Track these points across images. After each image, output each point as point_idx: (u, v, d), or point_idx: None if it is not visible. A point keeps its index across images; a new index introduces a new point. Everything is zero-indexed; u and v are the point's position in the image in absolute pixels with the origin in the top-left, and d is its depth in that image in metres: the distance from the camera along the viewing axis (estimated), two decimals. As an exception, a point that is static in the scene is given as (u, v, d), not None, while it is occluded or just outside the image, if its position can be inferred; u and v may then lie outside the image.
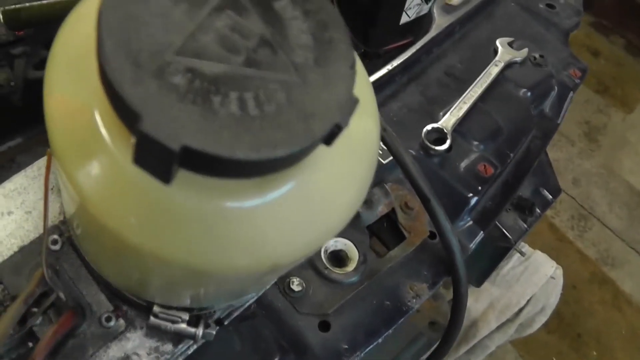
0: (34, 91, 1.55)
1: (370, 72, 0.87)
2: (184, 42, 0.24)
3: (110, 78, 0.22)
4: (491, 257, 1.32)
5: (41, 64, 1.82)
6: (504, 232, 1.17)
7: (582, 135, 3.10)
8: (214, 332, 0.41)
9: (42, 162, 0.46)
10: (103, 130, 0.26)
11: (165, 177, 0.23)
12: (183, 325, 0.38)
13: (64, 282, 0.39)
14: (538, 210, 1.25)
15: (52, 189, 0.43)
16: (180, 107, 0.22)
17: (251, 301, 0.48)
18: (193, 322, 0.39)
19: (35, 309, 0.37)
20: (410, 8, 1.28)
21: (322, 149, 0.25)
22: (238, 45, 0.24)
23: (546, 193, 1.37)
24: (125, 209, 0.27)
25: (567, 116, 3.01)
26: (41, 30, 1.68)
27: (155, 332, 0.41)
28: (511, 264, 1.57)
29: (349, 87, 0.25)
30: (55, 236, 0.40)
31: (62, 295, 0.38)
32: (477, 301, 1.60)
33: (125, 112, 0.22)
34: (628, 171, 2.97)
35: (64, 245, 0.40)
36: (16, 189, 0.44)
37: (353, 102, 0.24)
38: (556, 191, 1.40)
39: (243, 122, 0.22)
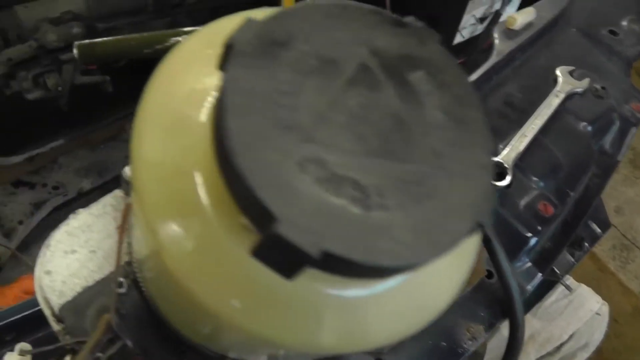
0: (79, 96, 1.58)
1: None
2: (315, 126, 0.21)
3: (240, 173, 0.20)
4: (537, 290, 1.27)
5: (88, 70, 1.84)
6: (552, 267, 1.12)
7: (626, 161, 3.00)
8: None
9: (107, 200, 0.45)
10: (207, 205, 0.24)
11: (289, 274, 0.21)
12: None
13: (129, 327, 0.38)
14: (586, 245, 1.20)
15: (117, 228, 0.42)
16: (315, 207, 0.19)
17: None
18: None
19: (100, 354, 0.36)
20: (464, 28, 1.25)
21: None
22: (372, 129, 0.22)
23: (595, 227, 1.32)
24: (227, 290, 0.25)
25: (612, 141, 2.88)
26: (89, 36, 1.70)
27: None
28: (554, 297, 1.52)
29: (488, 178, 0.22)
30: (121, 279, 0.39)
31: (129, 342, 0.37)
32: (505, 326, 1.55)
33: (257, 212, 0.20)
34: (675, 201, 2.86)
35: (130, 289, 0.39)
36: (80, 226, 0.42)
37: (492, 196, 0.22)
38: (605, 225, 1.35)
39: (382, 224, 0.20)
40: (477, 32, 1.28)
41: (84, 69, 1.75)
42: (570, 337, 1.50)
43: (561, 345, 1.51)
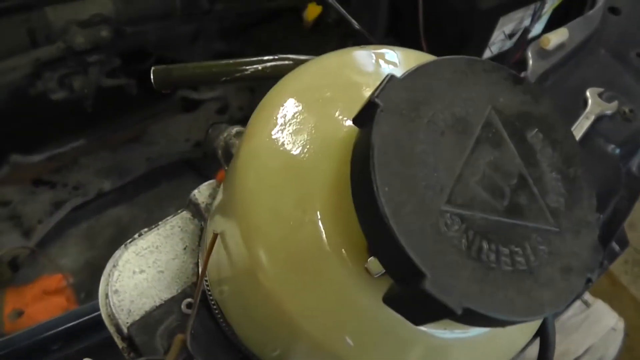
0: (102, 97, 1.59)
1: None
2: (454, 186, 0.23)
3: (392, 234, 0.21)
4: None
5: (113, 73, 1.87)
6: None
7: None
8: None
9: (174, 220, 0.46)
10: (327, 246, 0.26)
11: (421, 322, 0.22)
12: None
13: (202, 347, 0.39)
14: (606, 262, 1.21)
15: (184, 248, 0.43)
16: (459, 264, 0.22)
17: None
18: None
19: None
20: (494, 43, 1.27)
21: None
22: (501, 188, 0.24)
23: (614, 245, 1.33)
24: (341, 327, 0.26)
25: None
26: (116, 39, 1.73)
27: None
28: (571, 312, 1.53)
29: (595, 235, 0.24)
30: (189, 300, 0.40)
31: None
32: (533, 345, 1.56)
33: (406, 269, 0.22)
34: (688, 217, 2.85)
35: (200, 310, 0.40)
36: (149, 247, 0.44)
37: (600, 252, 0.24)
38: (624, 243, 1.36)
39: (515, 280, 0.22)
40: (506, 48, 1.30)
41: (108, 71, 1.78)
42: (586, 351, 1.51)
43: (576, 359, 1.53)
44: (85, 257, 1.72)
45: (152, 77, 0.57)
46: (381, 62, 0.32)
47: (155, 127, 1.89)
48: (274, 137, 0.29)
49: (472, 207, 0.23)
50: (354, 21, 1.13)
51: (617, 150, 0.92)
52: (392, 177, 0.22)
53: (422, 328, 0.26)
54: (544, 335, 0.67)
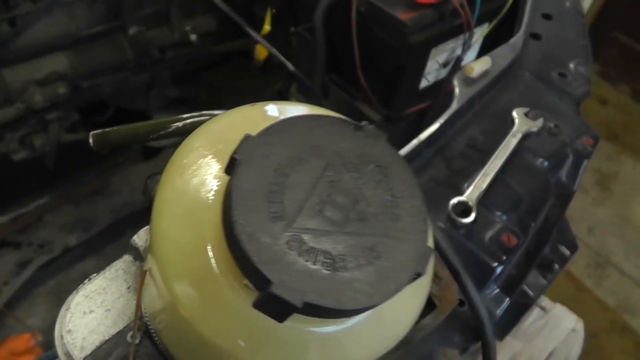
0: (63, 153, 1.62)
1: (398, 141, 0.93)
2: (297, 214, 0.30)
3: (244, 249, 0.29)
4: (513, 313, 1.34)
5: (73, 127, 1.89)
6: (524, 289, 1.20)
7: (594, 183, 3.14)
8: None
9: (118, 264, 0.51)
10: (215, 268, 0.32)
11: (281, 319, 0.29)
12: None
13: None
14: (557, 266, 1.28)
15: (128, 288, 0.48)
16: (300, 271, 0.28)
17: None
18: None
19: None
20: (429, 73, 1.36)
21: None
22: (337, 212, 0.30)
23: (564, 249, 1.41)
24: (235, 333, 0.32)
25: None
26: (74, 95, 1.77)
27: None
28: (532, 318, 1.59)
29: (425, 239, 0.30)
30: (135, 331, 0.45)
31: None
32: (499, 354, 1.62)
33: (258, 279, 0.29)
34: (642, 218, 3.00)
35: (143, 339, 0.45)
36: (96, 289, 0.49)
37: (429, 253, 0.30)
38: (573, 247, 1.44)
39: (347, 280, 0.28)
40: (442, 77, 1.39)
41: (68, 127, 1.81)
42: (550, 355, 1.57)
43: (542, 365, 1.58)
44: (54, 314, 1.72)
45: (90, 140, 0.62)
46: (272, 117, 0.38)
47: (117, 177, 1.92)
48: (177, 185, 0.36)
49: (312, 229, 0.29)
50: (288, 63, 1.20)
51: (546, 163, 1.00)
52: (246, 212, 0.29)
53: (300, 325, 0.32)
54: (484, 338, 0.73)
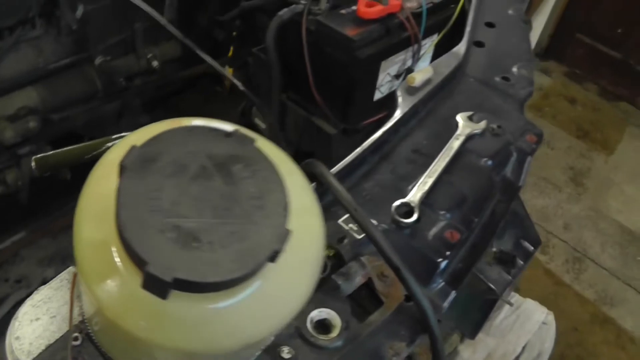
0: (38, 187, 1.65)
1: (347, 151, 0.98)
2: (172, 207, 0.35)
3: (126, 239, 0.34)
4: (481, 310, 1.39)
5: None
6: (489, 285, 1.25)
7: (568, 180, 3.22)
8: None
9: (63, 275, 0.56)
10: (119, 263, 0.38)
11: (163, 295, 0.34)
12: None
13: None
14: (520, 262, 1.33)
15: (77, 295, 0.53)
16: (171, 253, 0.33)
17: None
18: None
19: None
20: (382, 85, 1.42)
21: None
22: (207, 204, 0.36)
23: (527, 244, 1.46)
24: (135, 314, 0.37)
25: (552, 163, 3.14)
26: (45, 128, 1.80)
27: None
28: (503, 314, 1.64)
29: (283, 223, 0.36)
30: (77, 334, 0.50)
31: None
32: (475, 352, 1.66)
33: (136, 259, 0.34)
34: (616, 211, 3.07)
35: (84, 341, 0.50)
36: (42, 299, 0.54)
37: (286, 234, 0.35)
38: (536, 242, 1.49)
39: (213, 258, 0.34)
40: (395, 88, 1.44)
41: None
42: (523, 349, 1.61)
43: (517, 358, 1.63)
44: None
45: (32, 164, 0.67)
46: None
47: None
48: (91, 194, 0.41)
49: (183, 217, 0.35)
50: (239, 83, 1.26)
51: (490, 162, 1.06)
52: (129, 209, 0.34)
53: (193, 303, 0.36)
54: (430, 330, 0.77)
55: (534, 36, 3.99)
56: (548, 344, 1.65)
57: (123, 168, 0.37)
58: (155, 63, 1.61)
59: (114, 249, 0.38)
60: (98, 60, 1.69)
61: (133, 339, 0.39)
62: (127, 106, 1.83)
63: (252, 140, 0.40)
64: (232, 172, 0.37)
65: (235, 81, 1.28)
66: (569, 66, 4.09)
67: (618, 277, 2.70)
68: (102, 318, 0.41)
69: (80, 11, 1.52)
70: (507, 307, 1.65)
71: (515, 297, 1.67)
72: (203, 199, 0.37)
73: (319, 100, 1.30)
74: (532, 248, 1.47)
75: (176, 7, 1.61)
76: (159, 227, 0.35)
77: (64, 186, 1.83)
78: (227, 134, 0.40)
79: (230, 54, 1.82)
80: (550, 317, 1.65)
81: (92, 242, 0.39)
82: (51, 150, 1.82)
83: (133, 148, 0.38)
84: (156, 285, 0.34)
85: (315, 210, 0.45)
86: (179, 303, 0.37)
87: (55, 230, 1.92)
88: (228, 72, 1.29)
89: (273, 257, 0.35)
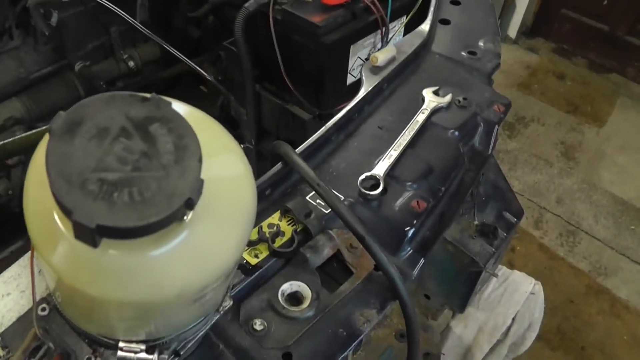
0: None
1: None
2: (96, 163, 0.39)
3: (55, 192, 0.37)
4: (466, 283, 1.42)
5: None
6: (472, 258, 1.28)
7: (559, 155, 3.24)
8: (167, 357, 0.53)
9: (29, 253, 0.60)
10: (59, 223, 0.40)
11: (93, 243, 0.37)
12: (142, 355, 0.51)
13: (53, 337, 0.52)
14: (503, 233, 1.36)
15: (39, 272, 0.56)
16: (95, 202, 0.36)
17: (200, 334, 0.60)
18: (150, 350, 0.51)
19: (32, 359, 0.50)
20: (354, 69, 1.45)
21: (199, 212, 0.38)
22: (128, 159, 0.39)
23: (509, 216, 1.49)
24: (78, 269, 0.40)
25: (542, 139, 3.15)
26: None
27: (125, 365, 0.53)
28: (491, 288, 1.67)
29: (197, 174, 0.39)
30: (44, 305, 0.53)
31: (51, 345, 0.51)
32: (466, 327, 1.69)
33: (64, 209, 0.37)
34: (608, 182, 3.09)
35: (51, 312, 0.53)
36: (12, 275, 0.57)
37: (200, 183, 0.38)
38: (519, 213, 1.52)
39: (132, 206, 0.37)
40: (365, 70, 1.45)
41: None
42: (513, 320, 1.64)
43: (507, 330, 1.65)
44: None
45: None
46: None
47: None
48: (32, 169, 0.44)
49: (106, 171, 0.38)
50: (210, 77, 1.29)
51: (456, 133, 1.09)
52: (56, 167, 0.37)
53: (124, 252, 0.40)
54: (399, 297, 0.79)
55: (519, 15, 4.01)
56: (537, 314, 1.68)
57: (51, 132, 0.41)
58: (132, 64, 1.64)
59: (55, 214, 0.41)
60: (78, 66, 1.72)
61: (85, 299, 0.42)
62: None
63: (168, 103, 0.43)
64: (149, 131, 0.41)
65: (207, 75, 1.31)
66: (556, 42, 4.10)
67: (612, 247, 2.72)
68: (58, 284, 0.44)
69: (55, 18, 1.55)
70: (494, 280, 1.67)
71: (502, 270, 1.70)
72: (124, 155, 0.40)
73: (292, 87, 1.33)
74: (515, 219, 1.49)
75: (148, 8, 1.63)
76: (84, 181, 0.38)
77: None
78: (144, 99, 0.43)
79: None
80: (538, 287, 1.67)
81: (37, 211, 0.43)
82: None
83: (59, 114, 0.42)
84: (85, 234, 0.37)
85: (238, 166, 0.47)
86: (112, 252, 0.40)
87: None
88: (191, 64, 1.32)
89: (189, 205, 0.38)
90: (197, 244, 0.42)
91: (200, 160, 0.40)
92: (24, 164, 1.82)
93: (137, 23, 1.32)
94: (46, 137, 0.46)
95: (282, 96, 1.44)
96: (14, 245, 1.97)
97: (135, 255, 0.40)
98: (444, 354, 1.71)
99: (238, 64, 1.35)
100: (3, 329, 0.53)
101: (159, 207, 0.37)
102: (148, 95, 0.43)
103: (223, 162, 0.46)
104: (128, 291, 0.41)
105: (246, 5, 1.28)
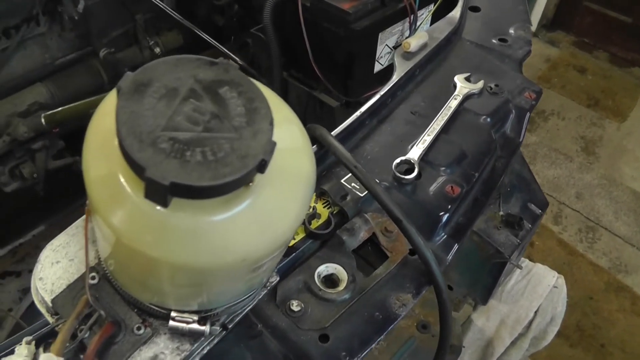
0: (53, 180, 1.70)
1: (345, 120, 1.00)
2: (166, 123, 0.38)
3: (126, 149, 0.37)
4: (491, 274, 1.41)
5: (59, 154, 1.98)
6: (497, 248, 1.27)
7: (579, 150, 3.20)
8: (219, 329, 0.53)
9: (79, 222, 0.60)
10: (125, 184, 0.40)
11: (164, 203, 0.36)
12: (194, 325, 0.51)
13: (103, 305, 0.52)
14: (528, 224, 1.34)
15: (93, 241, 0.56)
16: (167, 160, 0.36)
17: (248, 308, 0.59)
18: (202, 322, 0.51)
19: (83, 327, 0.50)
20: (381, 57, 1.43)
21: (265, 178, 0.38)
22: (198, 120, 0.38)
23: (534, 207, 1.47)
24: (143, 231, 0.40)
25: (562, 134, 3.11)
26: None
27: (175, 335, 0.53)
28: (514, 280, 1.65)
29: (269, 136, 0.38)
30: (94, 274, 0.53)
31: (102, 312, 0.51)
32: (488, 320, 1.67)
33: (136, 167, 0.37)
34: (629, 178, 3.05)
35: (101, 280, 0.53)
36: (60, 244, 0.58)
37: (272, 145, 0.38)
38: (543, 205, 1.50)
39: (205, 165, 0.36)
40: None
41: (54, 154, 1.89)
42: (536, 313, 1.62)
43: (530, 323, 1.64)
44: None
45: (42, 120, 0.70)
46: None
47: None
48: (93, 135, 0.44)
49: (177, 130, 0.37)
50: (242, 62, 1.29)
51: (488, 120, 1.07)
52: (127, 125, 0.37)
53: (191, 214, 0.39)
54: (434, 281, 0.78)
55: (539, 7, 3.96)
56: (560, 308, 1.66)
57: (119, 90, 0.40)
58: (158, 50, 1.64)
59: (120, 176, 0.41)
60: (102, 53, 1.72)
61: (145, 262, 0.41)
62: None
63: (236, 67, 0.43)
64: (219, 93, 0.40)
65: (239, 61, 1.30)
66: (577, 35, 4.04)
67: (632, 244, 2.69)
68: (116, 248, 0.44)
69: (82, 5, 1.55)
70: (517, 272, 1.66)
71: (525, 262, 1.68)
72: (194, 116, 0.39)
73: (320, 75, 1.32)
74: (540, 211, 1.48)
75: (174, -4, 1.64)
76: (155, 139, 0.38)
77: (79, 177, 1.88)
78: (212, 63, 0.42)
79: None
80: (561, 281, 1.65)
81: (100, 175, 0.42)
82: (63, 145, 1.87)
83: (127, 74, 0.41)
84: (156, 192, 0.37)
85: (299, 138, 0.47)
86: (179, 214, 0.40)
87: (72, 222, 1.97)
88: (225, 51, 1.31)
89: (262, 167, 0.38)
90: (262, 210, 0.41)
91: (272, 123, 0.39)
92: (48, 149, 1.83)
93: (169, 9, 1.31)
94: (102, 105, 0.46)
95: (310, 83, 1.43)
96: (37, 229, 1.99)
97: (203, 217, 0.39)
98: (464, 347, 1.70)
99: (266, 51, 1.34)
100: (54, 295, 0.53)
101: (233, 166, 0.36)
102: (216, 59, 0.43)
103: (286, 132, 0.45)
104: (193, 254, 0.40)
105: (275, -9, 1.27)
